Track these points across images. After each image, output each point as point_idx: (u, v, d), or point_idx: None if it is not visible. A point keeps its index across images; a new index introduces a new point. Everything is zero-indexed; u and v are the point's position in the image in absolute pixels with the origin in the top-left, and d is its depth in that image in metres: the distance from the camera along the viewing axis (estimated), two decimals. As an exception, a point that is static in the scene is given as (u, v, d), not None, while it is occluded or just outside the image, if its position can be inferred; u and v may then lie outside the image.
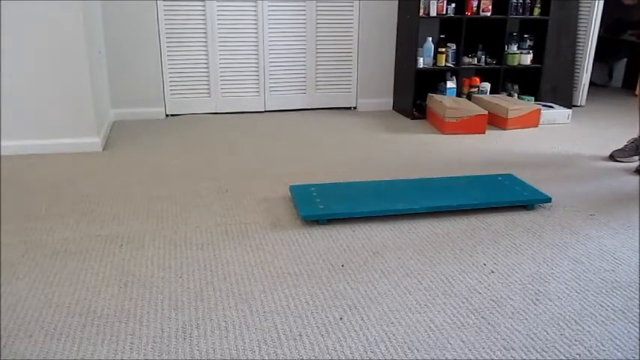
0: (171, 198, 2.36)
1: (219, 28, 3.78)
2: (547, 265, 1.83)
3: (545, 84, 4.30)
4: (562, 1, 4.20)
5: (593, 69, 4.50)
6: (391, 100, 4.25)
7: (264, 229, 2.07)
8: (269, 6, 3.82)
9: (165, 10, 3.66)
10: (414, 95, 3.94)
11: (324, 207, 2.15)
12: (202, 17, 3.73)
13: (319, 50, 4.03)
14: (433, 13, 3.86)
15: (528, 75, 4.29)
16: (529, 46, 4.26)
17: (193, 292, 1.63)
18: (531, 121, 3.76)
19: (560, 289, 1.68)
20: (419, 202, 2.23)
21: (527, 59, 4.21)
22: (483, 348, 1.39)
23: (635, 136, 3.02)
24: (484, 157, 3.05)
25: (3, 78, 2.83)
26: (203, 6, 3.70)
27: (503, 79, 4.20)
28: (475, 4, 3.93)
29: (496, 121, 3.71)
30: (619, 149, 3.04)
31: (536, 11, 4.15)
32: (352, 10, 4.00)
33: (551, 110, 3.93)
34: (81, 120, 2.99)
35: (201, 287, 1.66)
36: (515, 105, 3.76)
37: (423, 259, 1.85)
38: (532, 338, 1.43)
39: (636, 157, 2.97)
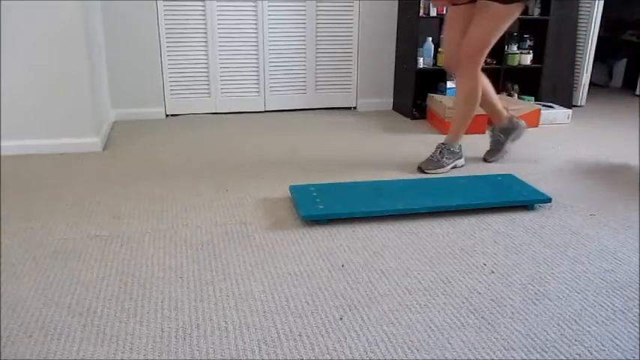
0: (172, 198, 2.36)
1: (219, 28, 3.78)
2: (547, 265, 1.83)
3: (545, 84, 4.30)
4: (562, 1, 4.20)
5: (593, 69, 4.51)
6: (391, 100, 4.25)
7: (264, 229, 2.07)
8: (269, 6, 3.82)
9: (165, 10, 3.66)
10: (414, 95, 3.93)
11: (324, 207, 2.15)
12: (202, 17, 3.73)
13: (319, 50, 4.03)
14: (433, 13, 3.86)
15: (528, 75, 4.29)
16: (529, 46, 4.26)
17: (193, 292, 1.63)
18: (531, 121, 3.75)
19: (560, 289, 1.68)
20: (419, 202, 2.23)
21: (527, 59, 4.21)
22: (483, 348, 1.39)
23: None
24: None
25: (3, 78, 2.83)
26: (203, 6, 3.70)
27: (503, 79, 4.20)
28: (475, 4, 3.93)
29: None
30: (426, 160, 2.80)
31: (536, 11, 4.15)
32: (352, 10, 4.00)
33: (551, 110, 3.93)
34: (81, 120, 2.99)
35: (201, 287, 1.66)
36: (515, 105, 3.76)
37: (423, 259, 1.85)
38: (532, 338, 1.43)
39: (447, 166, 2.77)
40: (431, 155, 2.82)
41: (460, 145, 2.85)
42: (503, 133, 2.94)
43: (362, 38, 4.06)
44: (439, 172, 2.74)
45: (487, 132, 2.93)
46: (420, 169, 2.76)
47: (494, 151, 2.97)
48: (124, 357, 1.34)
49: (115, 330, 1.44)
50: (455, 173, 2.71)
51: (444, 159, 2.78)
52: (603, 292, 1.67)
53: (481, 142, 3.36)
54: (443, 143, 2.82)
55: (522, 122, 2.96)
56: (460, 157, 2.85)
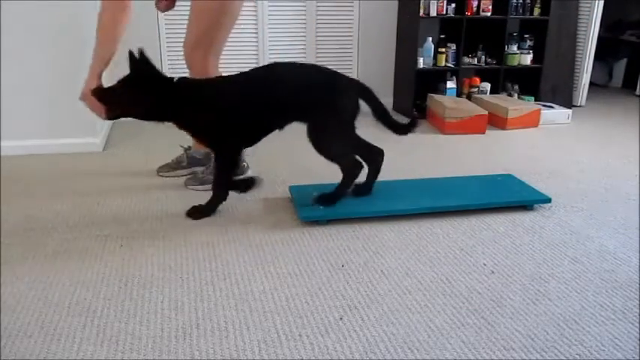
0: (172, 198, 2.36)
1: (219, 28, 3.78)
2: (547, 265, 1.83)
3: (545, 84, 4.30)
4: (562, 1, 4.20)
5: (593, 69, 4.51)
6: (391, 100, 4.25)
7: (264, 229, 2.07)
8: (269, 6, 3.82)
9: (165, 10, 3.65)
10: (414, 95, 3.94)
11: (323, 207, 2.15)
12: (202, 17, 3.72)
13: (319, 50, 4.03)
14: (433, 13, 3.86)
15: (528, 75, 4.29)
16: (529, 46, 4.26)
17: (193, 292, 1.63)
18: (531, 121, 3.76)
19: (560, 289, 1.68)
20: (419, 202, 2.23)
21: (527, 59, 4.22)
22: (483, 348, 1.39)
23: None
24: (484, 157, 3.05)
25: (3, 78, 2.83)
26: (203, 6, 3.70)
27: (503, 79, 4.21)
28: (475, 4, 3.93)
29: (496, 121, 3.71)
30: (190, 177, 2.54)
31: (536, 11, 4.15)
32: (352, 10, 4.00)
33: (551, 110, 3.93)
34: (81, 120, 2.99)
35: (201, 287, 1.66)
36: (515, 105, 3.77)
37: (423, 259, 1.85)
38: (532, 338, 1.43)
39: (183, 172, 2.58)
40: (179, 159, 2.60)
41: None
42: (190, 160, 2.63)
43: (362, 38, 4.06)
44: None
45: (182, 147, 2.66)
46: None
47: (170, 167, 2.65)
48: (124, 357, 1.34)
49: (115, 330, 1.44)
50: (455, 173, 2.70)
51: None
52: (603, 292, 1.67)
53: (480, 142, 3.37)
54: (186, 149, 2.60)
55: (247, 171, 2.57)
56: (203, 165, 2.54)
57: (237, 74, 2.11)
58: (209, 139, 2.14)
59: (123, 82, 2.04)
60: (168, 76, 2.07)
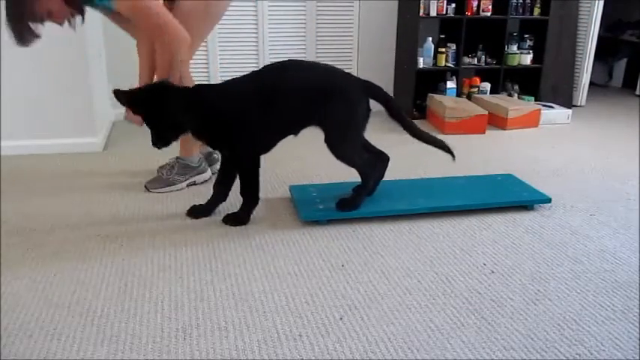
0: (171, 198, 2.36)
1: (220, 28, 3.78)
2: (547, 265, 1.83)
3: (546, 84, 4.30)
4: (562, 1, 4.20)
5: (593, 69, 4.51)
6: (391, 100, 4.24)
7: (264, 229, 2.07)
8: (269, 6, 3.82)
9: (165, 10, 3.65)
10: (414, 95, 3.94)
11: (324, 207, 2.15)
12: (202, 17, 3.72)
13: (319, 50, 4.02)
14: (433, 13, 3.86)
15: (528, 75, 4.29)
16: (529, 46, 4.26)
17: (193, 292, 1.63)
18: (531, 121, 3.76)
19: (560, 289, 1.68)
20: (419, 202, 2.23)
21: (527, 59, 4.21)
22: (483, 348, 1.39)
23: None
24: (484, 157, 3.05)
25: (3, 78, 2.83)
26: (203, 6, 3.70)
27: (503, 79, 4.20)
28: (475, 4, 3.93)
29: (496, 121, 3.71)
30: (153, 178, 2.50)
31: (536, 11, 4.15)
32: (352, 10, 4.00)
33: (551, 110, 3.93)
34: (81, 120, 2.99)
35: (201, 287, 1.66)
36: (515, 105, 3.77)
37: (423, 259, 1.85)
38: (532, 338, 1.43)
39: (181, 183, 2.47)
40: (159, 172, 2.51)
41: (200, 158, 2.53)
42: (176, 167, 2.51)
43: (362, 38, 4.06)
44: (165, 190, 2.43)
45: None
46: (146, 189, 2.45)
47: (158, 180, 2.50)
48: (124, 357, 1.34)
49: (115, 330, 1.44)
50: (455, 173, 2.70)
51: (175, 175, 2.46)
52: (603, 292, 1.67)
53: (480, 143, 3.37)
54: (177, 157, 2.52)
55: (207, 169, 2.56)
56: (202, 172, 2.53)
57: (246, 76, 2.02)
58: (225, 146, 2.08)
59: (143, 89, 2.03)
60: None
